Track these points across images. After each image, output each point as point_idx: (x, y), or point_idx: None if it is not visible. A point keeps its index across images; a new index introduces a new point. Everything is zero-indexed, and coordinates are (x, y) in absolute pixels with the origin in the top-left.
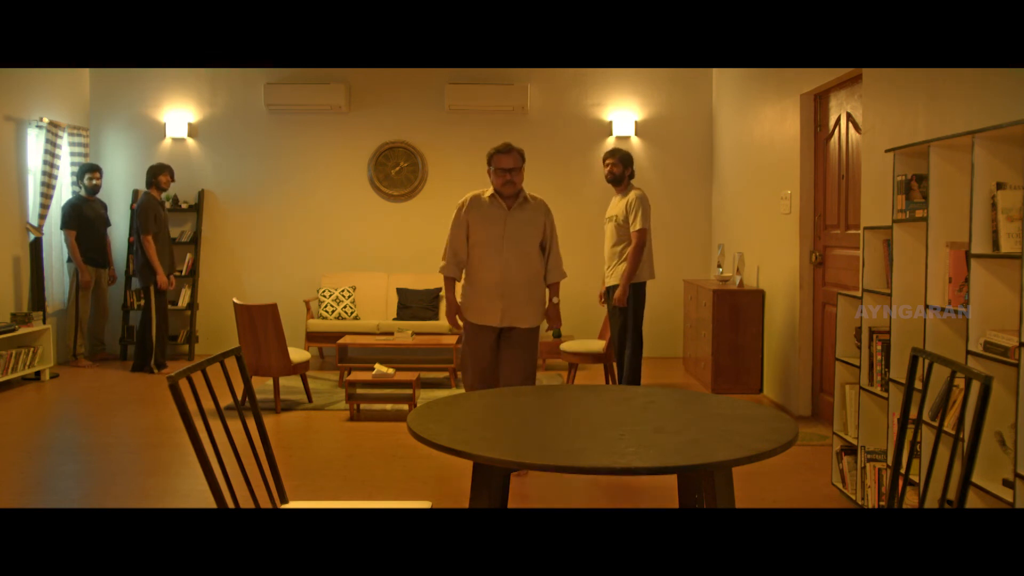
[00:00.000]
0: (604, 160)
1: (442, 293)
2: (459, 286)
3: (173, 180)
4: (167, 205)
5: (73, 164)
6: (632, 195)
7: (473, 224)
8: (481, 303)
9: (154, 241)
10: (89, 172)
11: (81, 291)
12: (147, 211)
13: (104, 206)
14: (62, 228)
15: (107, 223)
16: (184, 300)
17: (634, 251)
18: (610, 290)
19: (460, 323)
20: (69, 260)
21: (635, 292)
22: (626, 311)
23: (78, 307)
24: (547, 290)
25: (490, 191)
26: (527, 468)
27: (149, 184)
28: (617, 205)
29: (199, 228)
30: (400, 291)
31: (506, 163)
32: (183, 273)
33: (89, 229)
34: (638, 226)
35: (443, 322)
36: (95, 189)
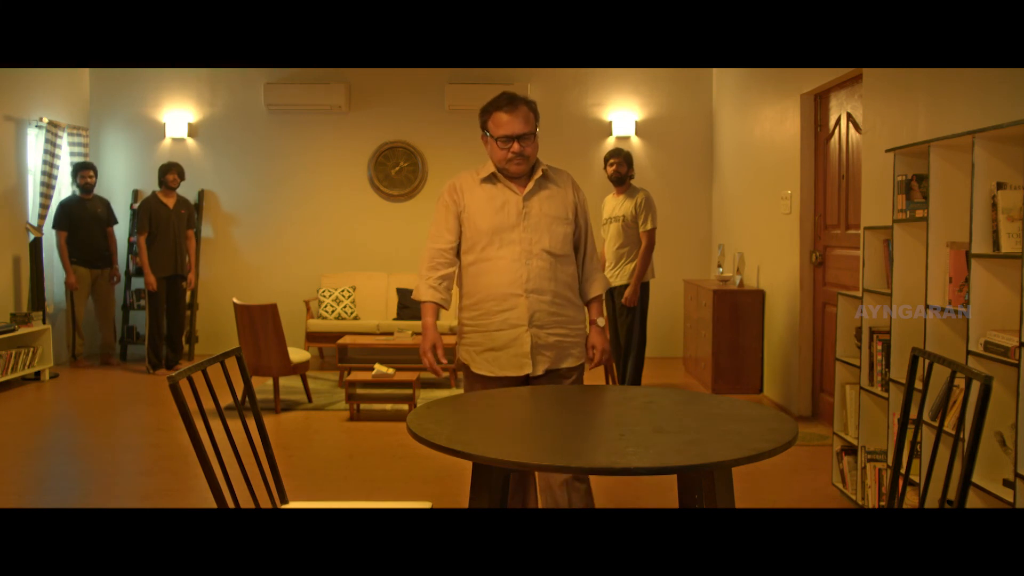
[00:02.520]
0: (608, 160)
1: None
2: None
3: (183, 179)
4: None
5: (73, 164)
6: (641, 196)
7: (471, 218)
8: (496, 340)
9: (152, 241)
10: (82, 171)
11: (75, 292)
12: (140, 211)
13: (104, 204)
14: (53, 228)
15: (106, 222)
16: (185, 299)
17: (647, 251)
18: (612, 290)
19: (440, 363)
20: None
21: (642, 292)
22: (634, 311)
23: (73, 308)
24: (584, 309)
25: (488, 169)
26: (527, 468)
27: (159, 184)
28: (623, 205)
29: (199, 228)
30: (400, 291)
31: (510, 126)
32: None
33: (81, 229)
34: (650, 226)
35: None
36: (87, 188)
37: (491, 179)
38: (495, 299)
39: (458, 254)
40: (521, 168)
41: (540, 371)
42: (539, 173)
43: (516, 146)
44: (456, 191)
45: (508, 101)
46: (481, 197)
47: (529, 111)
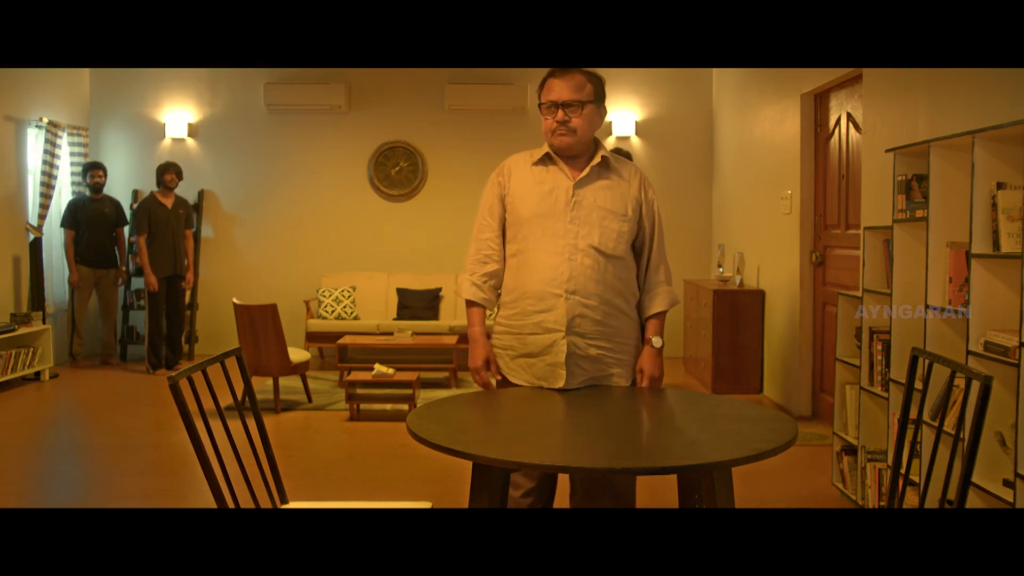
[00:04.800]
0: None
1: (443, 293)
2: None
3: (180, 178)
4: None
5: (73, 164)
6: None
7: (514, 202)
8: (530, 346)
9: (151, 242)
10: (91, 170)
11: (76, 292)
12: (138, 211)
13: (113, 204)
14: (61, 227)
15: (115, 223)
16: (184, 300)
17: None
18: None
19: (494, 379)
20: None
21: None
22: None
23: (74, 308)
24: (644, 325)
25: (543, 150)
26: (527, 468)
27: (157, 184)
28: None
29: (199, 228)
30: (400, 291)
31: (557, 92)
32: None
33: (87, 229)
34: None
35: (443, 322)
36: (97, 187)
37: (544, 161)
38: (532, 298)
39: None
40: (565, 141)
41: (575, 385)
42: (598, 159)
43: (560, 114)
44: (504, 172)
45: (564, 68)
46: (528, 180)
47: (586, 81)
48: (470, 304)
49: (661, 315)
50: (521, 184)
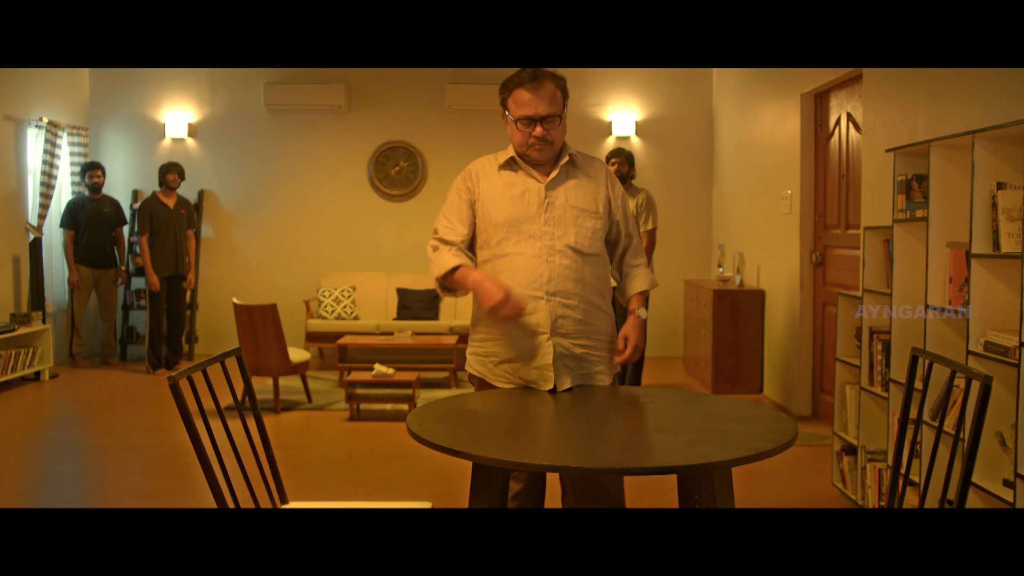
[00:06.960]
0: (609, 160)
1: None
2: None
3: (183, 179)
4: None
5: (73, 164)
6: (642, 196)
7: (485, 208)
8: (510, 347)
9: (153, 241)
10: (90, 170)
11: (75, 292)
12: (140, 211)
13: (112, 204)
14: (60, 227)
15: (114, 223)
16: (185, 300)
17: (647, 251)
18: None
19: (517, 305)
20: None
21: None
22: None
23: (73, 307)
24: (625, 304)
25: (508, 154)
26: (527, 468)
27: (159, 184)
28: None
29: (199, 228)
30: (400, 291)
31: (533, 106)
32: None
33: (87, 229)
34: (650, 226)
35: (443, 322)
36: (96, 187)
37: (511, 165)
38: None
39: (473, 250)
40: (544, 155)
41: (564, 386)
42: (565, 159)
43: (539, 129)
44: (471, 177)
45: (532, 77)
46: (498, 185)
47: (556, 89)
48: (455, 269)
49: (643, 293)
50: (490, 189)
